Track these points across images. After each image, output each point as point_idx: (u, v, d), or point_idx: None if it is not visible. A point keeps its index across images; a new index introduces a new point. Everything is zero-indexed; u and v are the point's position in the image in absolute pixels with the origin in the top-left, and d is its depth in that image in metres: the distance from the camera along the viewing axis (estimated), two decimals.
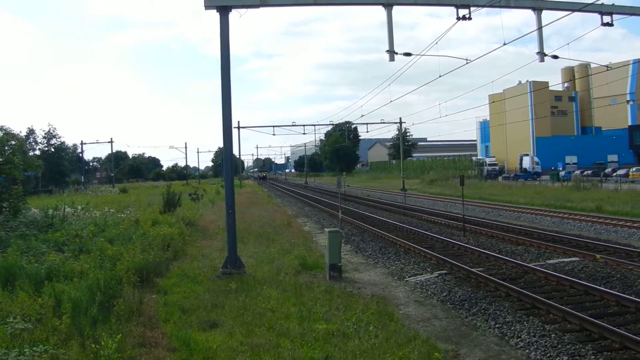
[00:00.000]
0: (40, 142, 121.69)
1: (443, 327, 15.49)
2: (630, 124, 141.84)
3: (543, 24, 24.75)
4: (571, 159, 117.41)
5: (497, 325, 15.27)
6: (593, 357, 12.53)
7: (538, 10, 24.47)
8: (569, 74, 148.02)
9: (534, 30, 25.07)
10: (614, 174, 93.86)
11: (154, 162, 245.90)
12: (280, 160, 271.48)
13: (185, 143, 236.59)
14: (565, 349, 13.01)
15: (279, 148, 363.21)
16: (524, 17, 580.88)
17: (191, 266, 23.45)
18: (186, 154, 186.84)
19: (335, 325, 14.57)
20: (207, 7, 22.12)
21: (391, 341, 13.35)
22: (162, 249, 24.61)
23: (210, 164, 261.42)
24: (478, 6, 23.39)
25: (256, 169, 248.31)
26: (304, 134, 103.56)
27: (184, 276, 21.53)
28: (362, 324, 14.72)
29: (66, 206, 36.31)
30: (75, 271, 18.31)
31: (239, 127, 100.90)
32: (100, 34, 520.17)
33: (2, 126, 43.21)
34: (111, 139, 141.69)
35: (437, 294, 19.26)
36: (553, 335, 14.01)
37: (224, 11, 22.28)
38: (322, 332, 13.98)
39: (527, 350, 13.26)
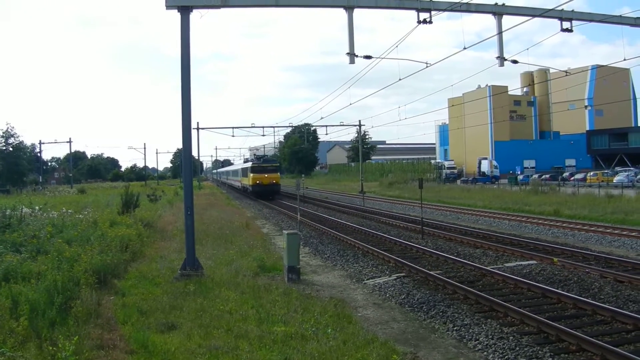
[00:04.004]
0: None
1: (401, 330, 15.52)
2: (588, 128, 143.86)
3: (503, 29, 24.91)
4: (529, 163, 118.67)
5: (455, 328, 15.33)
6: (550, 359, 12.64)
7: (498, 15, 24.63)
8: (528, 78, 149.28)
9: (494, 35, 25.22)
10: (572, 178, 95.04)
11: (113, 163, 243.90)
12: (239, 161, 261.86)
13: (144, 144, 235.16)
14: (523, 351, 13.10)
15: (238, 149, 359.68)
16: (484, 22, 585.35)
17: (149, 268, 23.29)
18: (145, 154, 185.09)
19: (293, 328, 14.54)
20: (168, 7, 21.94)
21: (349, 343, 13.36)
22: (120, 250, 24.36)
23: (169, 165, 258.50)
24: (439, 10, 23.48)
25: (234, 168, 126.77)
26: (263, 135, 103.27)
27: (142, 278, 21.39)
28: (321, 326, 14.73)
29: (24, 206, 35.87)
30: (33, 272, 18.03)
31: (198, 128, 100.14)
32: (59, 32, 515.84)
33: None
34: (70, 138, 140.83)
35: (395, 297, 19.31)
36: (511, 337, 14.10)
37: (185, 11, 22.14)
38: (281, 334, 13.95)
39: (485, 353, 13.32)
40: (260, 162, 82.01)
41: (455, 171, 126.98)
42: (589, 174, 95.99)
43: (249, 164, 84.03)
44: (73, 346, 11.53)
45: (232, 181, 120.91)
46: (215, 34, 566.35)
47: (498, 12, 24.58)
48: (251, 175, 79.18)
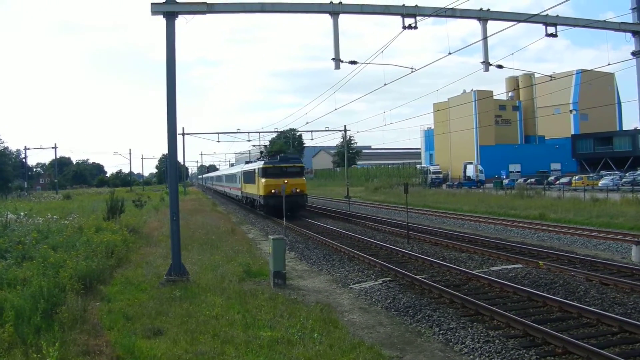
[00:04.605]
0: None
1: (387, 334, 15.53)
2: (573, 133, 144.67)
3: (488, 34, 25.00)
4: (515, 167, 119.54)
5: (441, 332, 15.35)
6: None
7: (483, 20, 24.73)
8: (513, 83, 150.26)
9: (480, 40, 25.31)
10: (557, 182, 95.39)
11: (98, 169, 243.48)
12: (224, 166, 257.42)
13: (130, 149, 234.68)
14: (509, 354, 13.12)
15: (223, 155, 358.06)
16: (469, 27, 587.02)
17: (135, 273, 23.22)
18: (130, 160, 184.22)
19: (279, 333, 14.52)
20: (153, 12, 21.93)
21: (335, 348, 13.35)
22: (105, 256, 24.28)
23: (155, 170, 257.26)
24: (424, 15, 23.59)
25: (229, 172, 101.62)
26: (249, 141, 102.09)
27: (128, 284, 21.33)
28: (307, 331, 14.70)
29: (9, 212, 35.77)
30: (18, 279, 17.99)
31: (183, 134, 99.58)
32: (43, 38, 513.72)
33: None
34: (55, 144, 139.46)
35: (381, 301, 19.31)
36: (497, 341, 14.12)
37: (170, 17, 22.12)
38: (267, 339, 13.92)
39: (471, 356, 13.35)
40: (276, 161, 54.99)
41: (441, 176, 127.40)
42: (574, 178, 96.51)
43: (259, 164, 56.45)
44: (57, 352, 11.50)
45: (227, 189, 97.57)
46: (200, 39, 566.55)
47: (483, 17, 24.70)
48: (262, 181, 53.22)
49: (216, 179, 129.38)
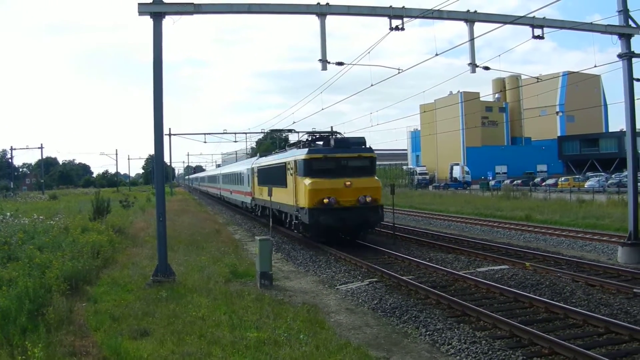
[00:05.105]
0: None
1: (374, 335, 15.51)
2: (559, 134, 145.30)
3: (475, 36, 25.00)
4: (501, 169, 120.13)
5: (428, 333, 15.33)
6: None
7: (470, 22, 24.71)
8: (500, 85, 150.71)
9: (466, 42, 25.28)
10: (543, 184, 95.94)
11: (85, 169, 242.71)
12: (211, 167, 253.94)
13: (116, 150, 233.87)
14: (495, 355, 13.12)
15: (210, 156, 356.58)
16: (456, 29, 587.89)
17: (121, 274, 23.11)
18: (117, 160, 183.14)
19: (266, 334, 14.48)
20: (141, 13, 21.82)
21: (322, 349, 13.31)
22: (91, 256, 24.13)
23: (141, 171, 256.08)
24: (411, 17, 23.58)
25: (232, 169, 66.83)
26: (236, 141, 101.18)
27: (114, 284, 21.23)
28: (293, 332, 14.67)
29: None
30: (4, 279, 17.88)
31: (170, 135, 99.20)
32: (29, 38, 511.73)
33: None
34: (41, 144, 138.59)
35: (368, 302, 19.27)
36: (484, 341, 14.11)
37: (157, 17, 22.01)
38: (254, 340, 13.88)
39: (458, 357, 13.35)
40: (329, 149, 31.68)
41: (427, 177, 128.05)
42: (560, 179, 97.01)
43: (299, 154, 32.55)
44: (42, 352, 11.45)
45: (225, 192, 73.59)
46: (187, 39, 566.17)
47: (470, 19, 24.68)
48: (306, 182, 30.67)
49: (208, 180, 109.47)
